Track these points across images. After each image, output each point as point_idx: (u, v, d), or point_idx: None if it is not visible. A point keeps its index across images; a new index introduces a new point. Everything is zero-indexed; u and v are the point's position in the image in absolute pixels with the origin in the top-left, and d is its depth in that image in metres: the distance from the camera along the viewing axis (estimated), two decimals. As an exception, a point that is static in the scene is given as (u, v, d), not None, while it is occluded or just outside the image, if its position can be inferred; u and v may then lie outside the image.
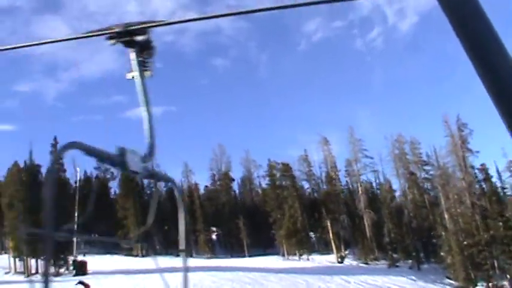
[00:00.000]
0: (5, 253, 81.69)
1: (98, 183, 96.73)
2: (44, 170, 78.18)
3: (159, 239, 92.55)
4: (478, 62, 1.35)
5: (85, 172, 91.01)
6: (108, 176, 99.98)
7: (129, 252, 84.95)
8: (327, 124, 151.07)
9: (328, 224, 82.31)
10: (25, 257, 68.85)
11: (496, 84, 1.35)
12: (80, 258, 65.31)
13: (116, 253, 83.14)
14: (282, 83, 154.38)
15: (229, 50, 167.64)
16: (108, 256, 78.74)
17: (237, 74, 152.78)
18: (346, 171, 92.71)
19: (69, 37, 3.05)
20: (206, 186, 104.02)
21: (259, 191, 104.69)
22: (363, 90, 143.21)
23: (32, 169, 75.30)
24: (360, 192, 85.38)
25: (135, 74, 2.83)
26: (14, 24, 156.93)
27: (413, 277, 67.78)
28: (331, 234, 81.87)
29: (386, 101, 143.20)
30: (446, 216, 71.76)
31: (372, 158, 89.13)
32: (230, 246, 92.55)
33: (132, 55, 2.80)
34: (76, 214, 68.17)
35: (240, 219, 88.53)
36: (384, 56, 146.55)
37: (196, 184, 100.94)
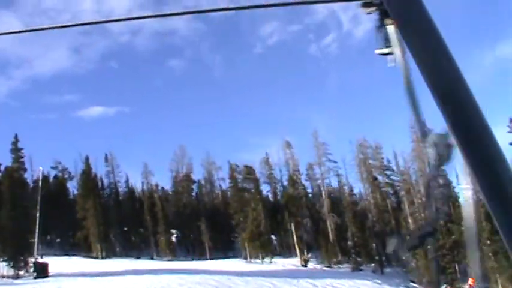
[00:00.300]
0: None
1: (56, 182, 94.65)
2: (2, 168, 76.33)
3: (119, 241, 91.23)
4: (426, 73, 1.43)
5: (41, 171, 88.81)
6: (66, 176, 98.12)
7: (87, 254, 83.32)
8: (284, 127, 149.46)
9: (292, 227, 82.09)
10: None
11: (440, 91, 1.44)
12: (40, 260, 63.64)
13: (74, 255, 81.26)
14: (240, 85, 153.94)
15: (184, 50, 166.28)
16: (66, 258, 76.67)
17: (192, 75, 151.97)
18: (307, 174, 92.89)
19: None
20: (162, 188, 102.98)
21: (220, 193, 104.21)
22: (319, 94, 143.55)
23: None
24: (324, 196, 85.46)
25: (395, 50, 2.32)
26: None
27: (378, 281, 68.19)
28: (295, 238, 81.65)
29: (343, 105, 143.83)
30: (410, 220, 72.41)
31: (335, 162, 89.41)
32: (191, 249, 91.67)
33: (392, 27, 2.30)
34: (38, 214, 66.59)
35: (202, 222, 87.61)
36: (338, 61, 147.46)
37: (157, 185, 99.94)
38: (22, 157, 77.18)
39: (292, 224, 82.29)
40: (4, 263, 65.79)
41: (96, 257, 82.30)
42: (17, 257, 65.50)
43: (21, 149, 77.11)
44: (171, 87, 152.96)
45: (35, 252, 64.90)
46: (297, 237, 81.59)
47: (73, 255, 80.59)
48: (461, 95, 1.41)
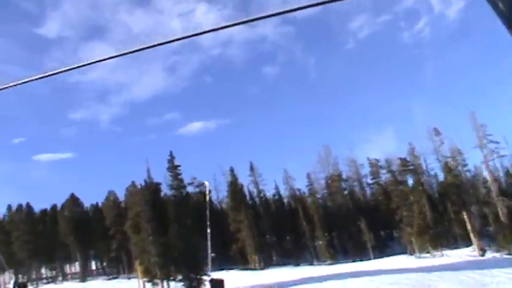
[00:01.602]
0: (128, 278, 79.94)
1: (201, 197, 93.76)
2: (165, 188, 75.46)
3: (276, 251, 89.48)
4: None
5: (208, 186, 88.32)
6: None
7: (244, 267, 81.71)
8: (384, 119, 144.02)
9: (465, 217, 76.93)
10: (159, 280, 65.68)
11: None
12: (214, 276, 61.83)
13: (231, 268, 79.62)
14: (335, 82, 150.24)
15: (276, 56, 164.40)
16: (224, 272, 74.90)
17: (288, 79, 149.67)
18: (454, 159, 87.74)
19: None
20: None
21: (368, 190, 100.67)
22: (415, 82, 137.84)
23: (152, 188, 72.00)
24: (490, 179, 79.95)
25: None
26: (63, 53, 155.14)
27: None
28: (469, 227, 76.42)
29: (438, 91, 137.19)
30: None
31: (498, 142, 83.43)
32: (350, 250, 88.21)
33: None
34: (209, 230, 64.95)
35: (361, 221, 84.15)
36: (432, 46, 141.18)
37: (311, 190, 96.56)
38: (180, 174, 76.06)
39: (464, 213, 77.23)
40: (179, 283, 64.99)
41: (255, 269, 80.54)
42: (191, 276, 64.46)
43: (178, 166, 76.00)
44: (266, 93, 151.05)
45: (209, 270, 63.46)
46: (471, 225, 76.44)
47: (229, 268, 78.92)
48: None
